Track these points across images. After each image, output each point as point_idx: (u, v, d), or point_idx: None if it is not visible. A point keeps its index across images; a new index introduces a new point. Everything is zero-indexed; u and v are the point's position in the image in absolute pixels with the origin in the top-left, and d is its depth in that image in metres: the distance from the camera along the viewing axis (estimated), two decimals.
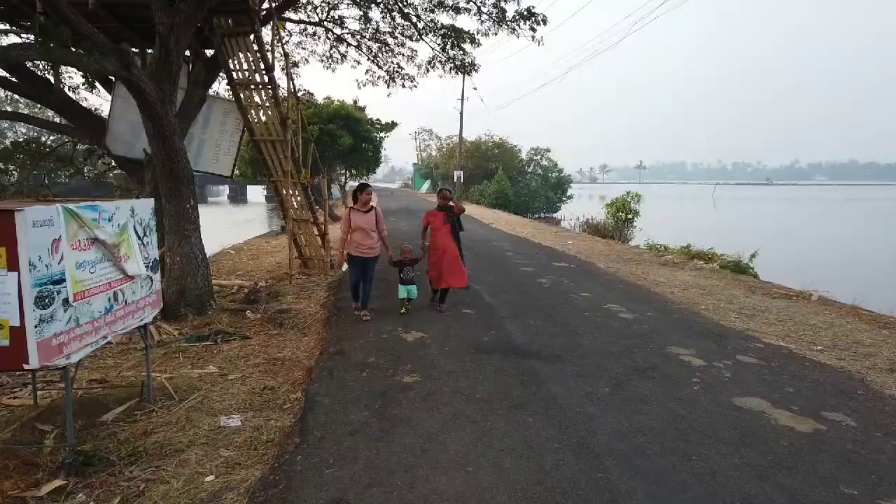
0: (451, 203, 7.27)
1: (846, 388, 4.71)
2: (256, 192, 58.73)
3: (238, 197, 65.01)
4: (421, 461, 3.43)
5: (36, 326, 2.87)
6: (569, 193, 44.25)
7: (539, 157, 46.48)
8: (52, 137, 13.55)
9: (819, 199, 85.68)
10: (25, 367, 2.89)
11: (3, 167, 9.74)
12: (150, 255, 4.11)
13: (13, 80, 7.42)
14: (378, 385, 4.72)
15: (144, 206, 4.10)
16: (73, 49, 5.25)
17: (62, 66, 8.44)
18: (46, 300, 2.94)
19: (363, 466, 3.36)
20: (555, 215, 39.16)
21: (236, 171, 10.04)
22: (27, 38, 7.62)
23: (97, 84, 9.35)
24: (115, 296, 3.65)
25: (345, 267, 8.30)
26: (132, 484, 3.13)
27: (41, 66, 9.28)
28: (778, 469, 3.35)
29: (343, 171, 29.87)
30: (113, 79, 7.90)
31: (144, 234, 4.03)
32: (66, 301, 3.09)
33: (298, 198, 10.04)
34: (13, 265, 2.80)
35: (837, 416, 4.14)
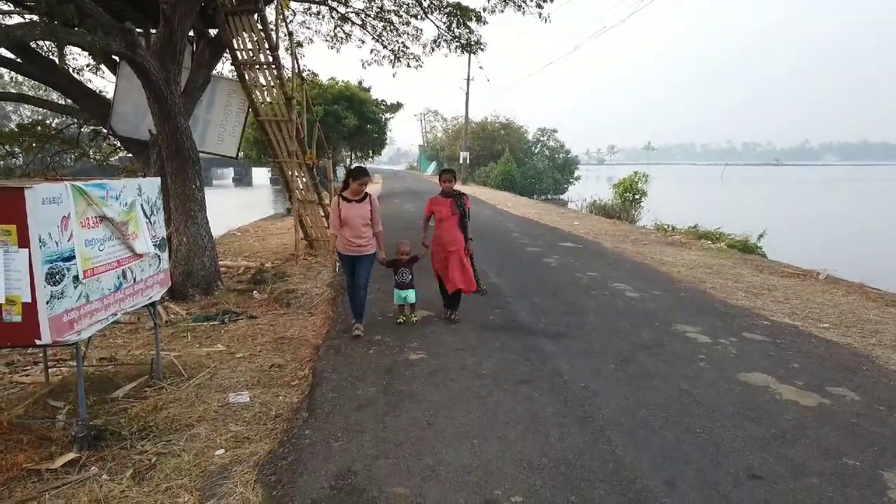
0: (455, 188, 5.86)
1: (851, 364, 4.71)
2: (262, 175, 58.47)
3: (243, 179, 64.59)
4: (427, 434, 3.48)
5: (47, 302, 2.91)
6: (576, 175, 43.72)
7: (546, 137, 45.82)
8: (56, 120, 13.56)
9: (829, 179, 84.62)
10: (38, 342, 2.94)
11: (9, 150, 9.78)
12: (157, 233, 4.14)
13: (18, 60, 7.41)
14: (385, 362, 4.76)
15: (151, 185, 4.12)
16: (78, 28, 5.23)
17: (66, 47, 8.42)
18: (57, 276, 2.97)
19: (370, 439, 3.41)
20: (562, 197, 38.80)
21: (241, 153, 10.03)
22: (31, 19, 7.58)
23: (102, 66, 9.34)
24: (124, 273, 3.69)
25: None
26: (144, 457, 3.19)
27: (45, 47, 9.26)
28: (781, 441, 3.38)
29: (348, 153, 29.75)
30: (117, 59, 7.88)
31: (152, 212, 4.06)
32: (76, 278, 3.13)
33: (304, 179, 10.04)
34: (24, 242, 2.83)
35: (842, 390, 4.16)
